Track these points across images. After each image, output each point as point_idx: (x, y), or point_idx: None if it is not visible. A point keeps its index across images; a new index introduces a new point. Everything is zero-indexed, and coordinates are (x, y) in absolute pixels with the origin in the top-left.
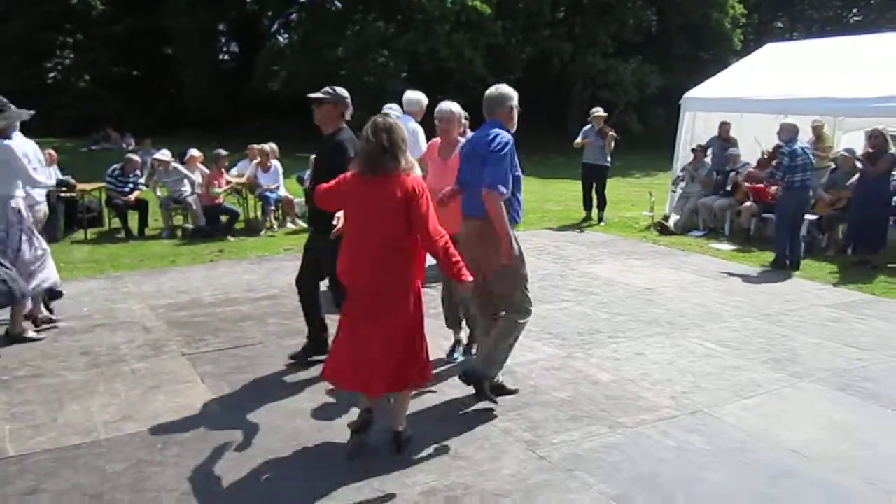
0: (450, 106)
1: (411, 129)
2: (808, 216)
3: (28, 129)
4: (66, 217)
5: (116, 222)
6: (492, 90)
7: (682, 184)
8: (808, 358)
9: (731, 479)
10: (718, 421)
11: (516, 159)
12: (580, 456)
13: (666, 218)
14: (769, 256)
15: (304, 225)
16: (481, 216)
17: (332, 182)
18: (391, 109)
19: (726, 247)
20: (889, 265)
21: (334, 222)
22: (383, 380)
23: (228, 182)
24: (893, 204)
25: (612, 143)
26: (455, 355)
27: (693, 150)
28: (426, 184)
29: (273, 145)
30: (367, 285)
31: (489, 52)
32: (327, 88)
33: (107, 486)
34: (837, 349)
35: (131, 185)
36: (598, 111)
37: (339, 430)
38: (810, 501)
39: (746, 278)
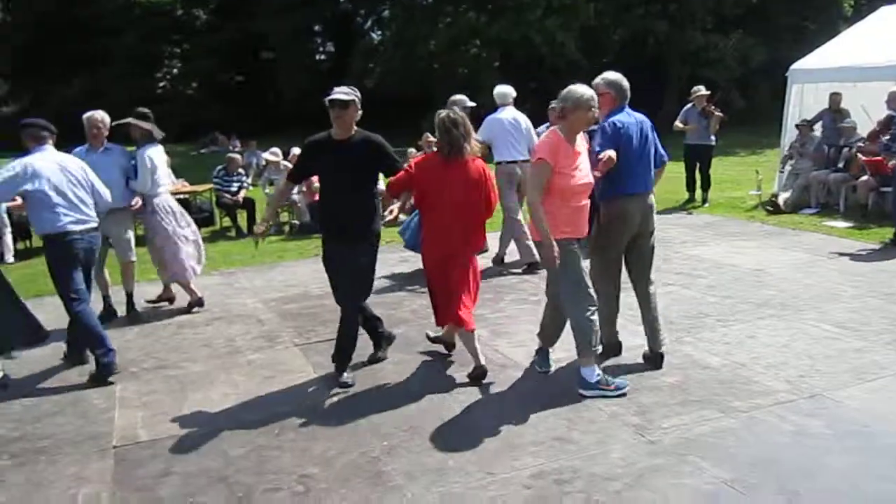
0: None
1: (510, 118)
2: None
3: None
4: None
5: (227, 221)
6: (621, 78)
7: (792, 161)
8: None
9: (854, 465)
10: (839, 405)
11: None
12: (692, 440)
13: (775, 196)
14: (889, 233)
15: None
16: (651, 189)
17: (406, 170)
18: (459, 100)
19: (841, 224)
20: None
21: (386, 214)
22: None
23: None
24: None
25: (718, 124)
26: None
27: (798, 125)
28: (562, 186)
29: None
30: (447, 250)
31: (582, 35)
32: (346, 89)
33: (231, 470)
34: None
35: (237, 185)
36: (701, 90)
37: (449, 412)
38: None
39: (864, 256)
